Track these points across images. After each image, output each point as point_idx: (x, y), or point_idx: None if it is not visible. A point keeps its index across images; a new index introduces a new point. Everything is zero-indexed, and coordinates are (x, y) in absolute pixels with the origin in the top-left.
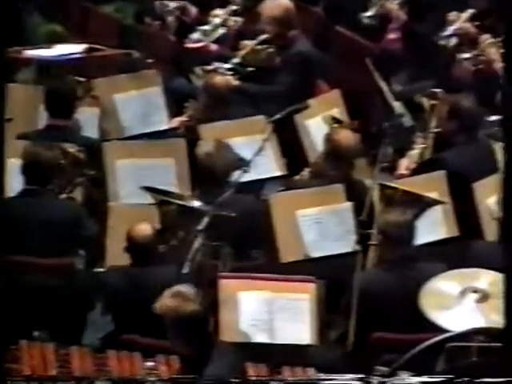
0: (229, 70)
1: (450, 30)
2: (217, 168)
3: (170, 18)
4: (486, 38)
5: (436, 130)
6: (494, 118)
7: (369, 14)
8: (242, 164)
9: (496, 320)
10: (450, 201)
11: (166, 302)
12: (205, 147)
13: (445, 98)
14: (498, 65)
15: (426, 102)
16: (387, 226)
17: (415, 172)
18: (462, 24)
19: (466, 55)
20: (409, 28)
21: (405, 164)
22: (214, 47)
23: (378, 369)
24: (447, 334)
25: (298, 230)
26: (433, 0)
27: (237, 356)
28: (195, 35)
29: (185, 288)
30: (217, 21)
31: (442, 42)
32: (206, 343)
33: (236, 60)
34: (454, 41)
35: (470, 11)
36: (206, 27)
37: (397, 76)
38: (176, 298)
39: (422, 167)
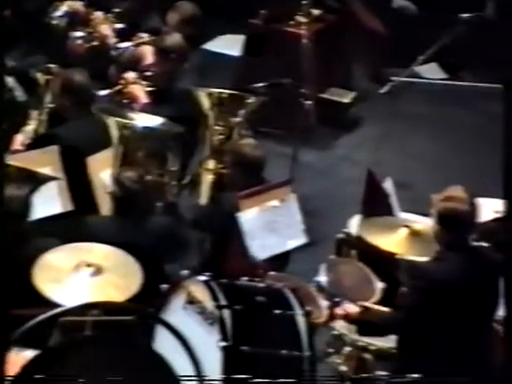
0: None
1: (61, 10)
2: None
3: None
4: (98, 16)
5: (50, 105)
6: (105, 92)
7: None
8: None
9: (110, 294)
10: (63, 176)
11: None
12: None
13: (58, 73)
14: (111, 40)
15: (40, 77)
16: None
17: (30, 147)
18: (72, 3)
19: (79, 34)
20: None
21: (20, 139)
22: None
23: None
24: (60, 309)
25: None
26: None
27: None
28: None
29: None
30: None
31: (55, 22)
32: None
33: None
34: (65, 20)
35: None
36: None
37: (11, 51)
38: None
39: (36, 142)
